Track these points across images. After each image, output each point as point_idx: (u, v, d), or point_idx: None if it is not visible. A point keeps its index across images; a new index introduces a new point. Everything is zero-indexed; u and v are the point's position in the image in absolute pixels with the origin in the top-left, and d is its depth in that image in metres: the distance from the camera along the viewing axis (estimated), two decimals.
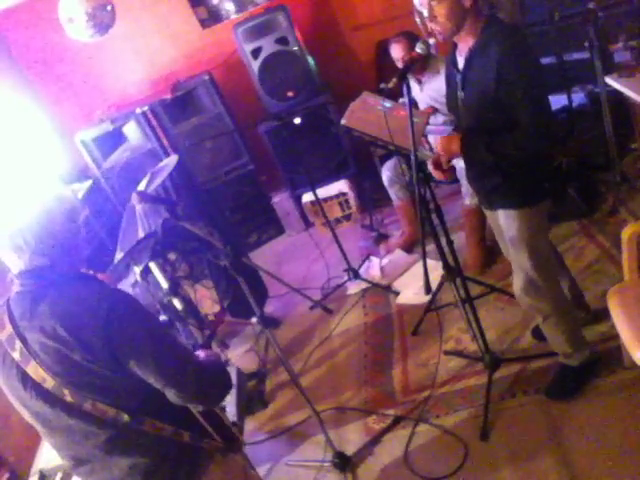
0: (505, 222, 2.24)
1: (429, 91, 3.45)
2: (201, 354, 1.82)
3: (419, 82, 3.48)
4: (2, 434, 2.90)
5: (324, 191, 4.46)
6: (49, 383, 1.48)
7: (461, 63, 2.10)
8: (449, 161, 2.23)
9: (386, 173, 3.79)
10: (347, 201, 4.55)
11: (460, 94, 2.14)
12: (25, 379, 1.51)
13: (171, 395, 1.54)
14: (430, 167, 2.29)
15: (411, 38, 3.31)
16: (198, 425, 1.65)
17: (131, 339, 1.48)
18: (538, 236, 2.23)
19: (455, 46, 2.13)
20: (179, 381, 1.53)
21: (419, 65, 3.32)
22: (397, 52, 3.37)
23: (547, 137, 2.03)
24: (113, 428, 1.53)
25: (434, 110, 3.41)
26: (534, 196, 2.18)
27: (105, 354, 1.45)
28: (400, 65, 3.37)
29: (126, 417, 1.51)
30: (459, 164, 3.05)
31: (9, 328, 1.49)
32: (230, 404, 2.41)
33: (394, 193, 3.82)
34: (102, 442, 1.55)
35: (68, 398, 1.48)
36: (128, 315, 1.50)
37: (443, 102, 3.38)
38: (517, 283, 2.34)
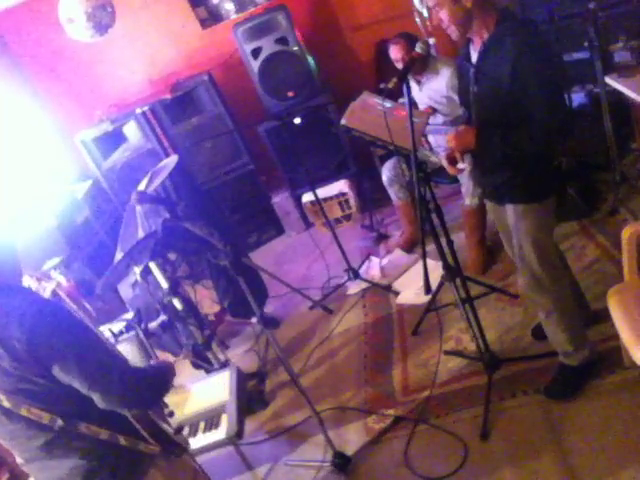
0: (513, 217, 2.25)
1: (428, 91, 3.45)
2: (151, 361, 1.88)
3: (418, 82, 3.47)
4: None
5: (324, 191, 4.46)
6: None
7: (475, 57, 2.10)
8: (462, 155, 2.22)
9: (386, 173, 3.79)
10: (347, 201, 4.55)
11: (473, 88, 2.13)
12: None
13: (96, 399, 1.58)
14: (444, 163, 2.28)
15: (410, 39, 3.31)
16: (134, 429, 1.69)
17: (54, 346, 1.53)
18: (544, 232, 2.24)
19: (469, 40, 2.12)
20: (103, 385, 1.57)
21: (418, 65, 3.32)
22: (396, 53, 3.37)
23: (562, 131, 2.03)
24: (50, 432, 1.59)
25: (433, 110, 3.41)
26: (542, 192, 2.19)
27: (31, 362, 1.51)
28: (399, 66, 3.37)
29: (60, 421, 1.57)
30: (460, 164, 3.05)
31: None
32: (230, 404, 2.41)
33: (394, 193, 3.82)
34: (42, 445, 1.61)
35: (5, 403, 1.54)
36: (52, 323, 1.55)
37: (442, 102, 3.40)
38: (522, 278, 2.36)
